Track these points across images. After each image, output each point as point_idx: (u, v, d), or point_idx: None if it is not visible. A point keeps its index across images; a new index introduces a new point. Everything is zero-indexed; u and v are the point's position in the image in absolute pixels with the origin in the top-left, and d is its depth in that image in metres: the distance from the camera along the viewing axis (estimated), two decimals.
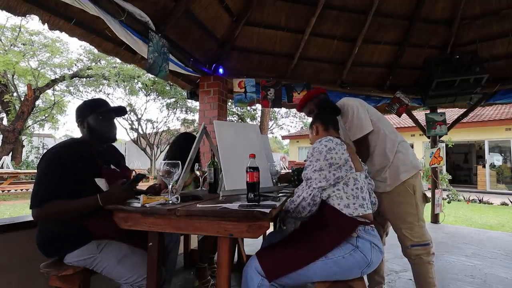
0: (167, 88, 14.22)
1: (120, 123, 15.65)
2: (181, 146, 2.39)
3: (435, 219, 4.79)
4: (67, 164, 1.36)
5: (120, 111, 1.65)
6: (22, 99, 11.73)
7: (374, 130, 1.78)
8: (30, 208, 1.32)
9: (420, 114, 6.95)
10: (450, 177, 7.45)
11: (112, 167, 1.57)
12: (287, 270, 1.22)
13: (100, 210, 1.33)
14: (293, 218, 1.45)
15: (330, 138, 1.36)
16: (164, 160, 1.57)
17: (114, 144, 1.69)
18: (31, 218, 1.71)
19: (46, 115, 14.07)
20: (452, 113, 9.35)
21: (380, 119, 1.84)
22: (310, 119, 1.76)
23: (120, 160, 1.69)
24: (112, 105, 1.62)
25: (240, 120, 16.42)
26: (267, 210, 1.10)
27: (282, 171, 2.32)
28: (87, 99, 1.64)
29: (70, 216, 1.36)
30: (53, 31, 2.33)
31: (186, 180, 2.42)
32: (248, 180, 1.31)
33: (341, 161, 1.31)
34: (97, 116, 1.52)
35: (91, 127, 1.52)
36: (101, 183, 1.45)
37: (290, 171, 2.23)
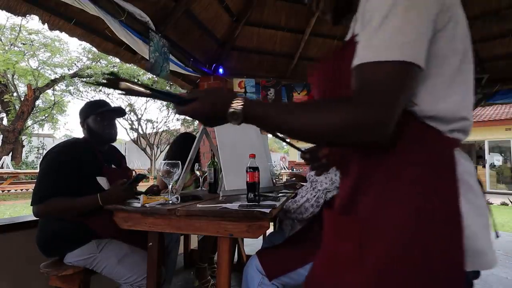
0: (167, 88, 14.22)
1: (120, 123, 15.66)
2: (181, 146, 2.39)
3: None
4: (68, 162, 1.37)
5: (118, 111, 1.66)
6: (22, 99, 11.72)
7: None
8: (31, 205, 1.33)
9: None
10: None
11: (113, 166, 1.59)
12: (287, 269, 1.22)
13: (101, 209, 1.34)
14: (293, 219, 1.43)
15: None
16: (164, 160, 1.58)
17: (114, 144, 1.70)
18: (31, 218, 1.72)
19: (46, 115, 14.06)
20: None
21: None
22: None
23: (121, 160, 1.70)
24: (112, 105, 1.63)
25: None
26: (267, 210, 1.09)
27: (282, 171, 2.31)
28: (89, 100, 1.66)
29: (70, 214, 1.36)
30: (53, 31, 2.34)
31: (186, 181, 2.43)
32: (248, 180, 1.31)
33: None
34: (96, 117, 1.54)
35: (91, 128, 1.54)
36: (103, 182, 1.47)
37: (294, 179, 2.16)
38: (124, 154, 1.81)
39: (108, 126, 1.57)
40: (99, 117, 1.54)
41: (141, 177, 1.49)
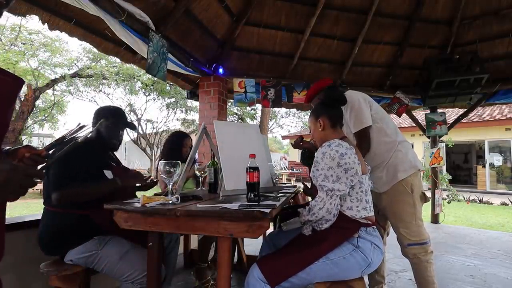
0: (167, 88, 14.21)
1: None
2: (171, 145, 2.43)
3: (435, 219, 4.79)
4: (81, 155, 1.44)
5: (132, 126, 1.81)
6: (22, 99, 11.71)
7: (374, 126, 1.78)
8: (53, 191, 1.38)
9: (420, 114, 6.95)
10: (450, 177, 7.45)
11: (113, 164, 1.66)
12: (289, 274, 1.21)
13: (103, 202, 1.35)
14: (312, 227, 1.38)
15: (339, 143, 1.31)
16: (159, 160, 1.63)
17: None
18: (31, 218, 1.74)
19: (46, 115, 14.06)
20: (452, 113, 9.35)
21: (383, 117, 1.83)
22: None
23: (119, 160, 1.77)
24: (112, 105, 1.71)
25: (240, 120, 16.41)
26: (267, 210, 1.10)
27: (282, 171, 2.29)
28: (107, 105, 1.76)
29: (89, 196, 1.42)
30: (53, 31, 2.34)
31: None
32: (248, 180, 1.31)
33: (355, 165, 1.27)
34: (109, 123, 1.62)
35: (100, 131, 1.62)
36: (109, 174, 1.53)
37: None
38: (124, 154, 1.89)
39: (117, 135, 1.68)
40: (112, 123, 1.62)
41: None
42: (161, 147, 16.63)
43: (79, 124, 1.51)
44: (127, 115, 1.86)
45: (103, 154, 1.64)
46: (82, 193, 1.39)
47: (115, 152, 1.79)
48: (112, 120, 1.62)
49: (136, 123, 15.87)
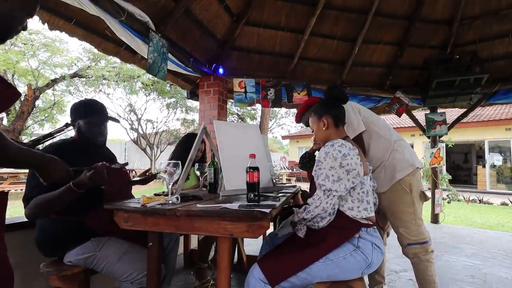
0: (167, 88, 14.21)
1: (120, 123, 15.64)
2: (185, 147, 2.41)
3: (435, 219, 4.79)
4: None
5: (111, 118, 1.64)
6: (22, 99, 11.71)
7: (366, 131, 1.78)
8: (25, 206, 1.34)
9: (420, 114, 6.95)
10: (450, 177, 7.44)
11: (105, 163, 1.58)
12: (289, 274, 1.21)
13: (98, 206, 1.32)
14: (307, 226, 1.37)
15: (342, 143, 1.30)
16: (170, 159, 1.58)
17: (114, 143, 1.71)
18: None
19: (46, 115, 14.06)
20: (452, 113, 9.35)
21: (373, 120, 1.83)
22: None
23: (113, 159, 1.71)
24: (111, 105, 1.65)
25: (240, 120, 16.42)
26: (267, 210, 1.10)
27: (282, 171, 2.28)
28: (82, 100, 1.64)
29: (53, 208, 1.31)
30: (53, 31, 2.34)
31: (193, 185, 2.44)
32: (248, 180, 1.31)
33: (357, 166, 1.27)
34: (88, 121, 1.53)
35: (81, 130, 1.54)
36: None
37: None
38: (124, 154, 1.83)
39: (98, 132, 1.57)
40: (91, 121, 1.54)
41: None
42: (161, 147, 16.66)
43: (66, 123, 1.49)
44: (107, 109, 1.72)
45: (85, 154, 1.50)
46: (40, 207, 1.28)
47: (115, 152, 1.77)
48: (91, 117, 1.53)
49: (136, 123, 15.87)
